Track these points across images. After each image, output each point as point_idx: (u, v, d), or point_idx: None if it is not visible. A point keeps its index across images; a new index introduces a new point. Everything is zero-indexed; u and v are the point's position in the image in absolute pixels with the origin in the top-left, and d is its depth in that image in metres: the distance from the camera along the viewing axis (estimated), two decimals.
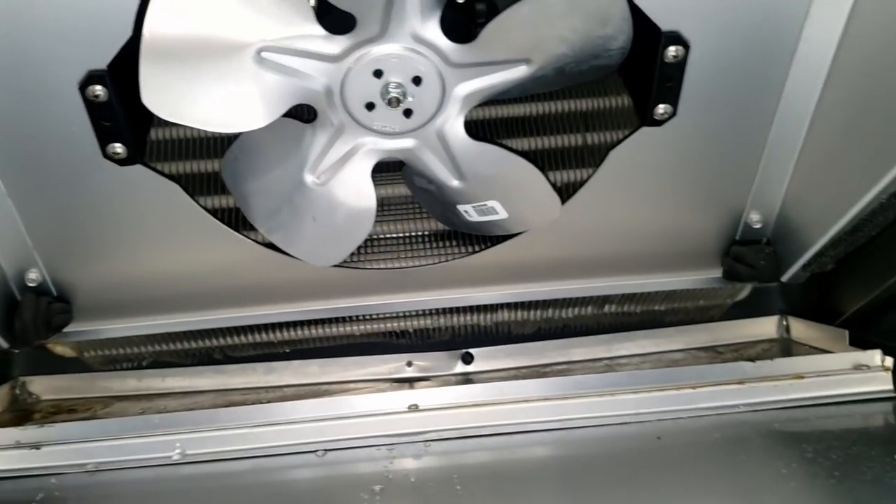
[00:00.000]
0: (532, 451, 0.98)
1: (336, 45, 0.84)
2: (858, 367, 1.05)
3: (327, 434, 1.00)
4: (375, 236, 1.12)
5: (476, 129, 1.03)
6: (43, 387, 1.27)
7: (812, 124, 0.94)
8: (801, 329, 1.26)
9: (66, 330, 1.08)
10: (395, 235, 1.13)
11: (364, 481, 0.91)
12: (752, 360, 1.08)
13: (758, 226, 1.06)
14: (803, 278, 1.10)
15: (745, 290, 1.23)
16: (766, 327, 1.29)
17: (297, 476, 0.97)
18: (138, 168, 0.91)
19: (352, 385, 1.23)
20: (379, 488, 0.88)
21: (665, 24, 0.84)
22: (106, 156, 0.88)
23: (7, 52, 0.81)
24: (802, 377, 1.04)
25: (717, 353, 1.24)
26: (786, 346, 1.26)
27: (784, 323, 1.28)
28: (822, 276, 1.18)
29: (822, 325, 1.19)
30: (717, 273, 1.14)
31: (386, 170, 1.07)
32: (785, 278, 1.10)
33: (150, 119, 0.93)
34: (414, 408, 1.03)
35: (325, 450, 0.99)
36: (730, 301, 1.25)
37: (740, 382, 1.04)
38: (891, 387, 1.03)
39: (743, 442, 0.93)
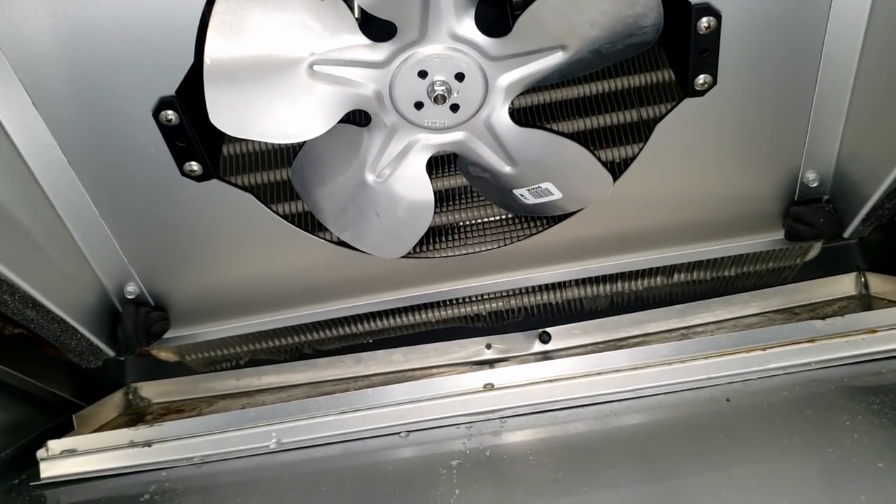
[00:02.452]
0: (604, 421, 1.00)
1: (381, 51, 0.89)
2: None
3: (408, 416, 1.06)
4: (442, 226, 1.16)
5: (526, 115, 1.07)
6: (153, 391, 1.39)
7: (857, 77, 0.94)
8: (879, 284, 1.24)
9: (165, 336, 1.18)
10: (459, 224, 1.17)
11: (443, 459, 0.96)
12: (827, 318, 1.08)
13: (815, 184, 1.06)
14: (866, 232, 1.09)
15: (814, 250, 1.22)
16: (843, 285, 1.28)
17: (383, 457, 1.02)
18: (214, 182, 0.98)
19: (434, 370, 1.29)
20: (456, 463, 0.93)
21: None
22: (183, 174, 0.96)
23: (86, 88, 0.89)
24: (875, 331, 1.03)
25: (793, 315, 1.23)
26: (865, 303, 1.24)
27: (862, 279, 1.27)
28: None
29: None
30: (780, 234, 1.14)
31: (442, 163, 1.12)
32: (847, 234, 1.09)
33: (221, 136, 1.01)
34: (489, 386, 1.08)
35: (408, 431, 1.05)
36: (800, 261, 1.24)
37: (811, 341, 1.04)
38: None
39: (811, 398, 0.94)
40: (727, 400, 0.98)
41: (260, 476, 1.02)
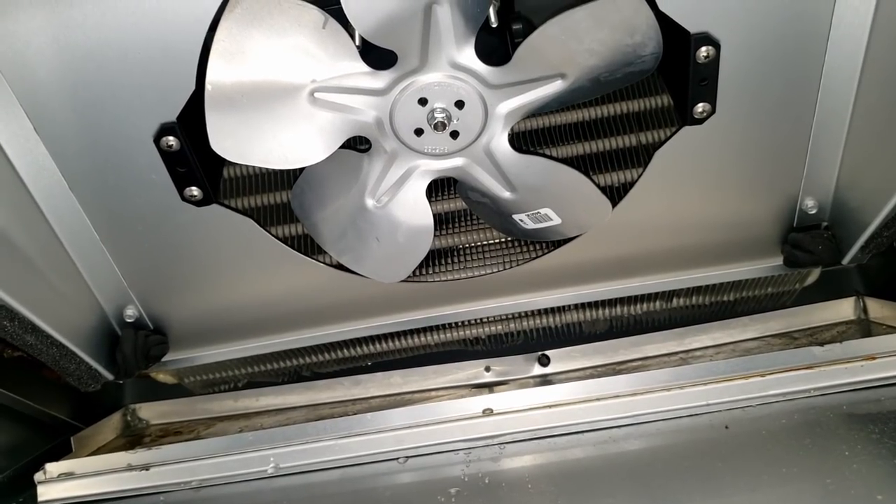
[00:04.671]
0: (603, 447, 1.00)
1: (381, 79, 0.90)
2: None
3: (407, 441, 1.05)
4: (441, 250, 1.17)
5: (525, 140, 1.07)
6: (151, 412, 1.38)
7: (856, 105, 0.95)
8: (878, 309, 1.24)
9: (164, 359, 1.18)
10: (459, 247, 1.18)
11: (442, 485, 0.96)
12: (825, 343, 1.08)
13: (813, 211, 1.07)
14: (865, 259, 1.09)
15: (813, 275, 1.23)
16: (842, 309, 1.28)
17: (381, 483, 1.02)
18: (214, 207, 0.99)
19: (433, 393, 1.29)
20: (455, 491, 0.93)
21: (693, 26, 0.87)
22: (184, 199, 0.97)
23: (87, 114, 0.90)
24: (874, 358, 1.03)
25: (791, 339, 1.23)
26: (864, 327, 1.24)
27: (861, 304, 1.27)
28: None
29: None
30: (779, 261, 1.14)
31: (441, 187, 1.12)
32: (846, 261, 1.10)
33: (221, 161, 1.01)
34: (489, 412, 1.07)
35: (407, 457, 1.04)
36: (798, 286, 1.25)
37: (809, 367, 1.03)
38: None
39: (810, 426, 0.94)
40: (726, 427, 0.98)
41: (257, 501, 1.02)
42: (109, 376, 1.13)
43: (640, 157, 1.06)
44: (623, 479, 0.92)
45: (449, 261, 1.17)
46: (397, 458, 1.05)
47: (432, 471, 1.02)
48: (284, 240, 1.06)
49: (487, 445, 1.04)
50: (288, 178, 1.05)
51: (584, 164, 1.06)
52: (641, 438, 1.00)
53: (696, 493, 0.86)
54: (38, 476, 1.10)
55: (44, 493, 1.09)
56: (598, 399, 1.06)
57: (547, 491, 0.90)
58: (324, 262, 1.09)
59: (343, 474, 1.05)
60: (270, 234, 1.04)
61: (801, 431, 0.93)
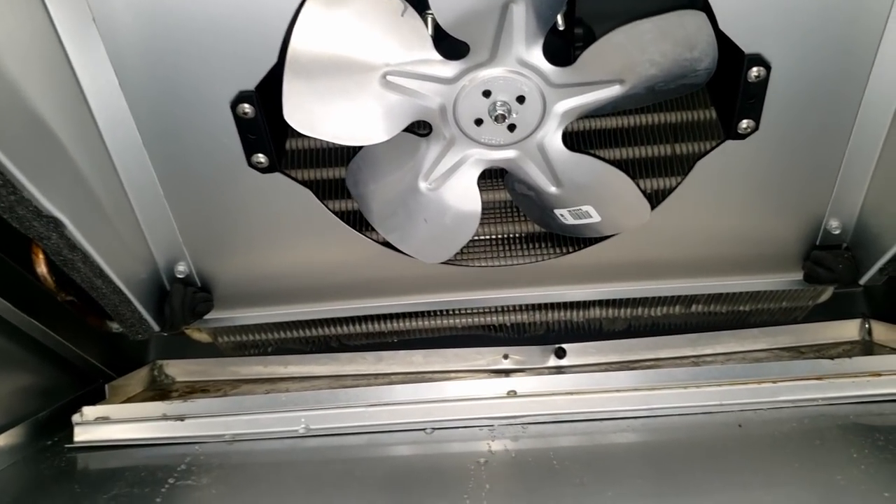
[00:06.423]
0: (621, 436, 1.06)
1: (451, 68, 0.95)
2: None
3: (434, 415, 1.11)
4: (479, 237, 1.22)
5: (573, 139, 1.13)
6: (178, 370, 1.44)
7: (889, 136, 1.01)
8: (883, 331, 1.31)
9: (206, 317, 1.22)
10: (496, 237, 1.23)
11: (470, 455, 1.01)
12: (832, 358, 1.14)
13: (837, 232, 1.12)
14: (881, 281, 1.15)
15: (826, 293, 1.29)
16: (848, 329, 1.35)
17: (410, 451, 1.08)
18: (277, 175, 1.04)
19: (452, 374, 1.34)
20: (483, 461, 0.99)
21: (748, 46, 0.92)
22: (250, 164, 1.02)
23: (167, 77, 0.94)
24: (880, 374, 1.10)
25: (799, 353, 1.30)
26: (867, 348, 1.31)
27: (866, 326, 1.33)
28: None
29: None
30: (799, 276, 1.20)
31: (489, 177, 1.18)
32: (863, 281, 1.15)
33: (286, 133, 1.07)
34: (512, 393, 1.13)
35: (433, 428, 1.10)
36: (812, 303, 1.31)
37: (819, 378, 1.10)
38: None
39: (819, 431, 1.00)
40: (739, 426, 1.04)
41: (291, 458, 1.07)
42: (157, 327, 1.17)
43: (675, 166, 1.11)
44: (643, 465, 0.98)
45: (485, 248, 1.22)
46: (424, 429, 1.10)
47: (459, 443, 1.07)
48: (338, 213, 1.11)
49: (510, 424, 1.10)
50: (347, 155, 1.10)
51: (622, 168, 1.11)
52: (658, 430, 1.07)
53: (712, 481, 0.91)
54: (75, 418, 1.15)
55: (80, 433, 1.14)
56: (617, 390, 1.12)
57: (573, 468, 0.96)
58: (371, 238, 1.14)
59: (370, 439, 1.10)
60: (326, 206, 1.09)
61: (810, 434, 1.00)
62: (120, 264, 1.04)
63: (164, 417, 1.16)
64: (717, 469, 0.94)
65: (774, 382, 1.10)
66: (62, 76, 0.92)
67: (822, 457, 0.93)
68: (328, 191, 1.13)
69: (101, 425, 1.15)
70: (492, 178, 1.18)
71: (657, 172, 1.12)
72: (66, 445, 1.13)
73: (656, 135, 1.13)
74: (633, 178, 1.07)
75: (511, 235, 1.23)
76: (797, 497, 0.85)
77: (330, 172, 1.13)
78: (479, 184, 1.08)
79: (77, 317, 1.18)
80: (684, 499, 0.88)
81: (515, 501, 0.89)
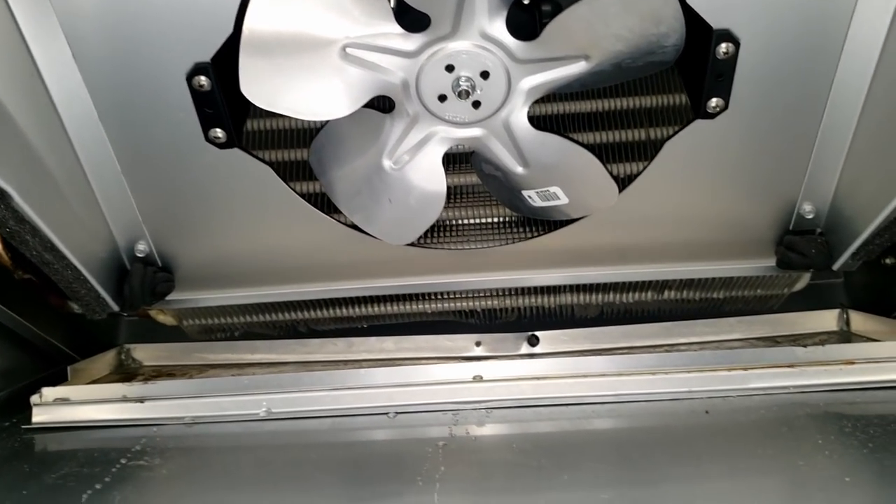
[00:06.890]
0: (586, 421, 1.04)
1: (412, 42, 0.93)
2: None
3: (397, 399, 1.09)
4: (447, 221, 1.20)
5: (547, 123, 1.10)
6: (145, 354, 1.41)
7: (861, 117, 0.98)
8: (860, 322, 1.29)
9: (168, 298, 1.20)
10: (465, 221, 1.21)
11: (430, 439, 0.99)
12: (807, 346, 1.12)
13: (810, 216, 1.10)
14: (854, 267, 1.13)
15: (801, 281, 1.27)
16: (826, 320, 1.33)
17: (370, 435, 1.06)
18: (236, 152, 1.01)
19: (423, 361, 1.32)
20: (442, 444, 0.97)
21: (716, 22, 0.90)
22: (208, 139, 1.00)
23: (123, 49, 0.93)
24: (853, 363, 1.07)
25: (774, 343, 1.27)
26: (845, 339, 1.29)
27: (845, 316, 1.31)
28: (884, 269, 1.21)
29: (882, 318, 1.23)
30: (772, 262, 1.18)
31: (459, 161, 1.16)
32: (836, 266, 1.14)
33: (246, 108, 1.04)
34: (478, 378, 1.11)
35: (396, 412, 1.08)
36: (787, 291, 1.29)
37: (791, 366, 1.08)
38: None
39: (788, 418, 0.98)
40: (706, 412, 1.02)
41: (249, 442, 1.05)
42: (115, 307, 1.15)
43: (648, 151, 1.09)
44: (605, 450, 0.96)
45: (454, 232, 1.20)
46: (387, 413, 1.08)
47: (421, 428, 1.05)
48: (301, 194, 1.09)
49: (475, 409, 1.07)
50: (310, 137, 1.08)
51: (596, 152, 1.09)
52: (624, 416, 1.05)
53: (674, 466, 0.90)
54: (34, 398, 1.12)
55: (38, 414, 1.12)
56: (584, 376, 1.10)
57: (532, 452, 0.94)
58: (336, 220, 1.12)
59: (333, 423, 1.08)
60: (288, 185, 1.07)
61: (778, 421, 0.97)
62: (74, 240, 1.02)
63: (125, 399, 1.13)
64: (678, 455, 0.92)
65: (745, 370, 1.08)
66: (13, 47, 0.91)
67: (787, 443, 0.91)
68: (294, 172, 1.11)
69: (60, 406, 1.13)
70: (462, 161, 1.16)
71: (632, 157, 1.10)
72: (24, 426, 1.11)
73: (631, 119, 1.11)
74: (607, 162, 1.05)
75: (481, 220, 1.21)
76: (757, 483, 0.84)
77: (295, 154, 1.11)
78: (448, 167, 1.06)
79: (36, 296, 1.15)
80: (641, 483, 0.86)
81: (468, 483, 0.88)
